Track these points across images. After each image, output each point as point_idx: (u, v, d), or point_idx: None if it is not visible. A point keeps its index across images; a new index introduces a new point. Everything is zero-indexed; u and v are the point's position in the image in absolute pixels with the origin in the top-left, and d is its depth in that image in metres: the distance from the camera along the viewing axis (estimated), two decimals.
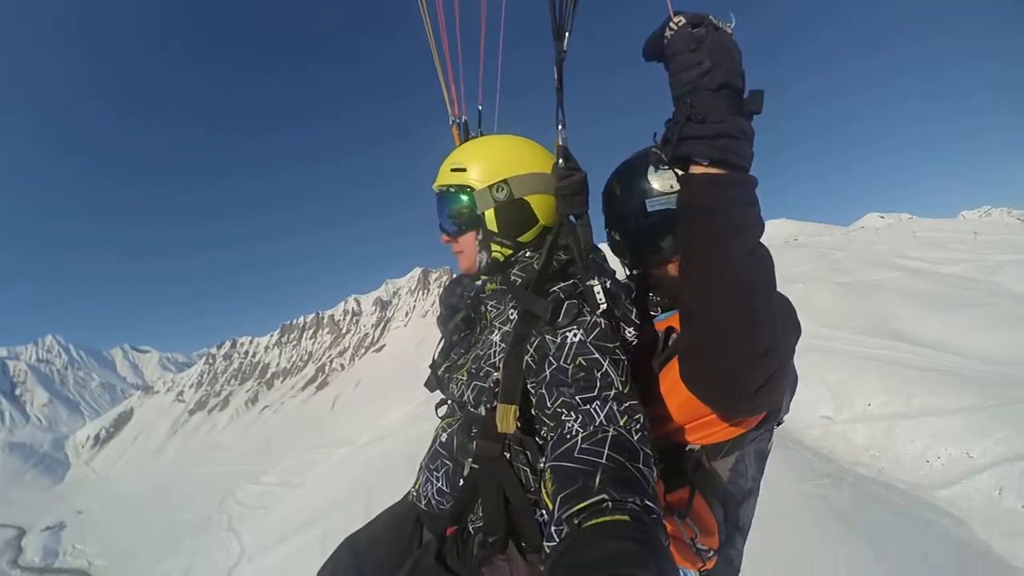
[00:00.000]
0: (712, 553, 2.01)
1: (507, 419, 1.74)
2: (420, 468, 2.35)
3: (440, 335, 2.52)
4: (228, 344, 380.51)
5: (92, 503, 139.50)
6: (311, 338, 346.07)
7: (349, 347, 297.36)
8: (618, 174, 2.33)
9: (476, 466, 2.00)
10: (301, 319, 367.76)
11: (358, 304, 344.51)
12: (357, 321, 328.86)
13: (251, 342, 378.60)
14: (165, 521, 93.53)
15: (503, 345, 1.98)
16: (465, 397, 2.04)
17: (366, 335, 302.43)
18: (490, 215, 2.14)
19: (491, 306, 2.23)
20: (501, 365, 1.88)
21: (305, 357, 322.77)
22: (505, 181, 2.13)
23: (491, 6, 2.57)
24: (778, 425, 2.20)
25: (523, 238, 2.19)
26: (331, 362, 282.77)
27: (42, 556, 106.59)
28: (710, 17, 1.56)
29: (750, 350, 1.55)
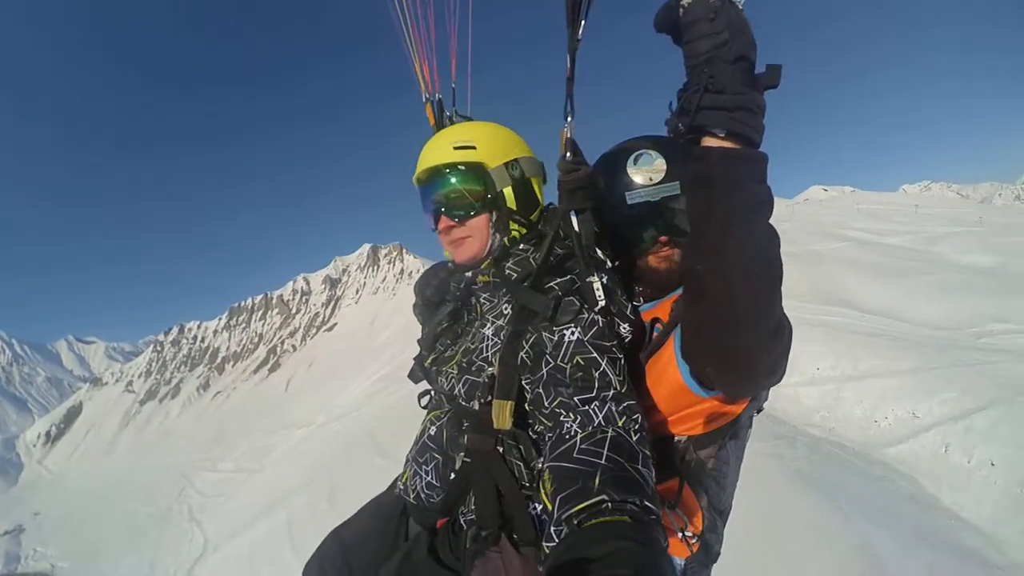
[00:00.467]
0: (696, 539, 2.04)
1: (503, 415, 1.80)
2: (407, 461, 2.35)
3: (420, 325, 2.56)
4: (176, 330, 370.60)
5: (49, 503, 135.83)
6: (260, 320, 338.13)
7: (300, 327, 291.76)
8: (598, 166, 2.34)
9: (468, 460, 2.02)
10: (249, 300, 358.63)
11: (307, 283, 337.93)
12: (307, 300, 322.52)
13: (199, 327, 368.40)
14: (125, 515, 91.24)
15: (496, 340, 2.01)
16: (456, 391, 2.06)
17: (316, 314, 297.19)
18: (509, 193, 2.16)
19: (484, 299, 2.22)
20: (496, 361, 1.92)
21: (255, 339, 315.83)
22: (516, 160, 2.18)
23: None
24: (758, 412, 2.28)
25: (533, 218, 2.23)
26: (282, 343, 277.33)
27: (3, 563, 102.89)
28: None
29: (765, 326, 1.60)
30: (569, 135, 1.92)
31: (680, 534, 1.98)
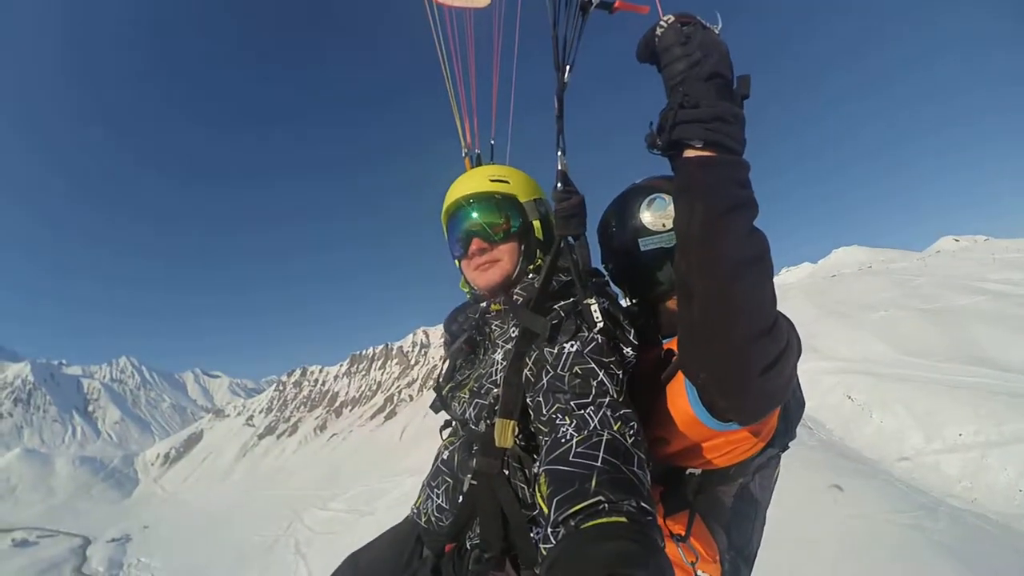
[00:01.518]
0: None
1: (505, 434, 1.84)
2: (422, 486, 2.39)
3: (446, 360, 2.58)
4: (298, 372, 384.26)
5: (159, 519, 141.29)
6: (380, 368, 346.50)
7: (418, 378, 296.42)
8: (612, 209, 2.41)
9: (475, 483, 2.02)
10: (370, 350, 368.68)
11: (426, 336, 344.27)
12: (425, 353, 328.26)
13: (321, 371, 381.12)
14: (231, 541, 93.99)
15: (504, 363, 2.05)
16: (467, 415, 2.11)
17: (434, 367, 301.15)
18: (538, 225, 2.26)
19: (495, 326, 2.30)
20: (501, 381, 1.97)
21: (374, 387, 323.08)
22: (542, 199, 2.32)
23: (505, 45, 2.80)
24: (783, 451, 2.21)
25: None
26: (399, 392, 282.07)
27: (107, 567, 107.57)
28: (697, 17, 1.64)
29: (753, 325, 1.57)
30: (560, 167, 1.99)
31: (693, 569, 1.95)
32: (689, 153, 1.57)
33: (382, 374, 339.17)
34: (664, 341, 2.19)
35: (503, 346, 2.15)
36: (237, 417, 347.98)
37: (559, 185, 2.00)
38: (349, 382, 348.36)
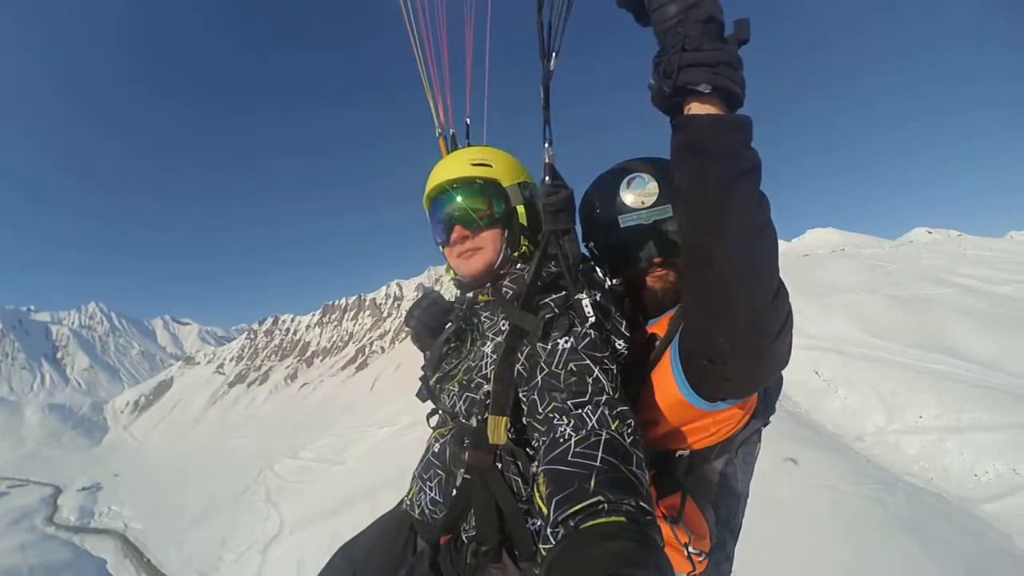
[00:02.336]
0: (703, 556, 2.04)
1: (498, 430, 1.82)
2: (413, 477, 2.36)
3: (421, 352, 2.59)
4: (270, 320, 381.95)
5: (129, 467, 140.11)
6: (352, 320, 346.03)
7: (390, 330, 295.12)
8: (593, 189, 2.43)
9: (468, 476, 2.02)
10: (343, 300, 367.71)
11: (400, 289, 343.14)
12: (399, 306, 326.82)
13: (292, 320, 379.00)
14: (201, 488, 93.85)
15: (494, 356, 2.03)
16: (456, 408, 2.08)
17: None
18: (522, 210, 2.23)
19: (484, 317, 2.26)
20: (492, 377, 1.94)
21: (346, 338, 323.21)
22: (527, 183, 2.28)
23: (478, 20, 2.69)
24: (764, 426, 2.25)
25: (539, 238, 2.15)
26: (371, 344, 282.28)
27: (78, 515, 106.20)
28: None
29: (769, 288, 1.58)
30: (548, 160, 1.99)
31: (685, 550, 1.97)
32: (697, 108, 1.54)
33: (354, 325, 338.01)
34: (647, 324, 2.21)
35: (493, 338, 2.12)
36: (207, 365, 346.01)
37: (547, 179, 2.00)
38: (321, 332, 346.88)
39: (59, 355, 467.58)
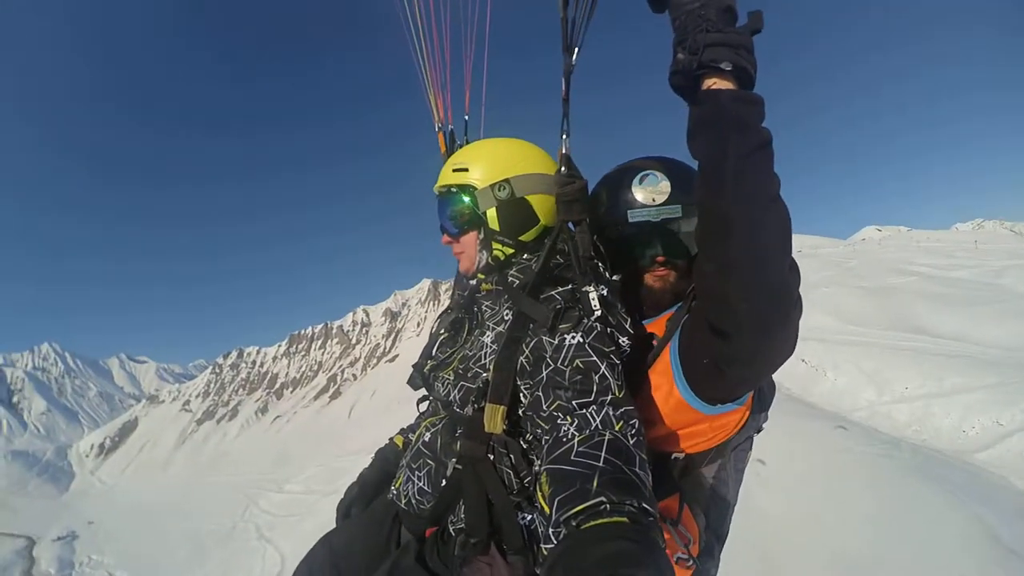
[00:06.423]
0: (691, 562, 2.03)
1: (495, 419, 1.80)
2: (401, 467, 2.32)
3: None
4: (235, 353, 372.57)
5: (102, 513, 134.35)
6: (320, 348, 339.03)
7: (360, 357, 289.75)
8: (603, 183, 2.39)
9: (459, 467, 2.00)
10: (310, 329, 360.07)
11: (367, 315, 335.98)
12: (367, 332, 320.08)
13: (258, 352, 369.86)
14: (184, 531, 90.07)
15: (495, 347, 2.01)
16: (451, 396, 2.08)
17: (377, 345, 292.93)
18: (492, 214, 2.18)
19: (486, 306, 2.25)
20: (492, 366, 1.92)
21: (315, 367, 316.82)
22: (507, 181, 2.17)
23: (480, 17, 2.66)
24: (757, 432, 2.25)
25: (524, 237, 2.23)
26: (342, 372, 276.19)
27: (57, 567, 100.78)
28: None
29: (787, 257, 1.63)
30: (564, 151, 2.07)
31: (683, 550, 2.03)
32: (716, 84, 1.60)
33: (323, 354, 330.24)
34: (644, 323, 2.21)
35: (494, 328, 2.10)
36: (173, 403, 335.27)
37: (563, 169, 2.05)
38: (289, 363, 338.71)
39: (15, 399, 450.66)
